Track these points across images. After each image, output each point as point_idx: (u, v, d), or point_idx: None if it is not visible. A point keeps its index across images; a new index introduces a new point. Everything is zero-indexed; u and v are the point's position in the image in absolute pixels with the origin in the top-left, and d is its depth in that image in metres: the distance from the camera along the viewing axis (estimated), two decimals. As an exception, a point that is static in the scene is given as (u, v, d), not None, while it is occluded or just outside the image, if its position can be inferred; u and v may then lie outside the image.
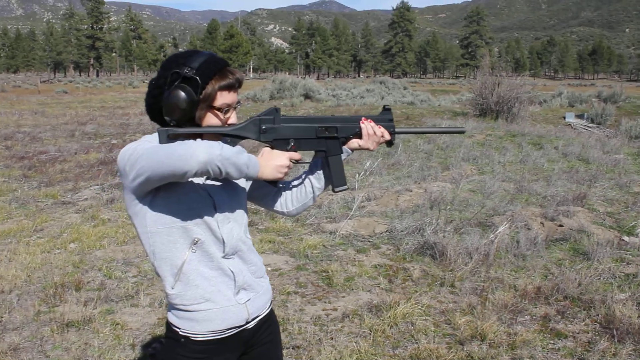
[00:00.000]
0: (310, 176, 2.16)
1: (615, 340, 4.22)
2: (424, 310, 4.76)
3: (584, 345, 4.21)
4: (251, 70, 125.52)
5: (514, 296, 5.03)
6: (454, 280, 5.41)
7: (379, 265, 5.91)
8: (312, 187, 2.15)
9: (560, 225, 6.81)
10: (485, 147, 12.45)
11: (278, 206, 2.18)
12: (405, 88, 40.54)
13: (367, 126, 2.09)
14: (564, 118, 26.66)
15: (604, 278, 5.37)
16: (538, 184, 8.87)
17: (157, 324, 4.57)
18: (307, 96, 30.18)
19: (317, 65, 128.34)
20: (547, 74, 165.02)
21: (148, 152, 1.68)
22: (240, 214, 2.02)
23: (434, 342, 4.22)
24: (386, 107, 2.16)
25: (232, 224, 1.97)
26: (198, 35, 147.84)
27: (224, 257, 1.94)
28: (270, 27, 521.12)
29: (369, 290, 5.29)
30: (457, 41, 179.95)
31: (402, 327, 4.48)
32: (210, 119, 1.90)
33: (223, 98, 1.88)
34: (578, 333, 4.41)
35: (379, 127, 2.10)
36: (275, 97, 30.05)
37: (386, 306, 4.81)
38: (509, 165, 10.50)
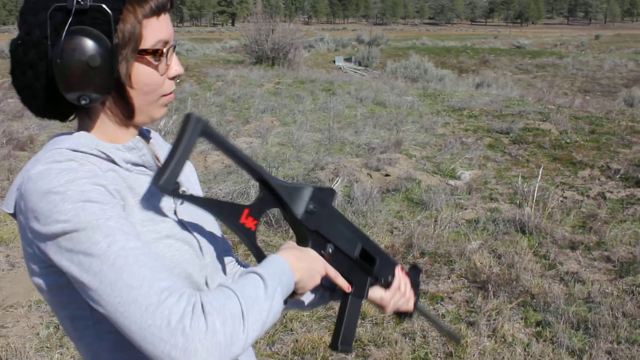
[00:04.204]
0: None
1: (491, 294, 4.05)
2: (287, 291, 4.19)
3: (464, 306, 3.98)
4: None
5: (370, 259, 4.67)
6: (303, 249, 4.90)
7: (212, 240, 5.19)
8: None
9: (387, 175, 6.62)
10: (279, 96, 12.03)
11: None
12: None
13: (401, 278, 1.40)
14: (334, 62, 27.52)
15: (449, 228, 5.24)
16: (347, 132, 8.67)
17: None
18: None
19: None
20: (301, 19, 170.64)
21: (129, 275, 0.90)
22: (222, 252, 1.25)
23: (312, 331, 3.68)
24: (417, 266, 1.49)
25: (220, 275, 1.22)
26: None
27: None
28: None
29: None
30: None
31: (271, 317, 3.86)
32: (142, 76, 1.07)
33: (154, 31, 1.06)
34: (452, 293, 4.18)
35: (411, 289, 1.44)
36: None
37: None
38: (309, 114, 10.19)
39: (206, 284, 1.15)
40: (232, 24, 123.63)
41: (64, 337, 3.62)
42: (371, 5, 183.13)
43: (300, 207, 1.16)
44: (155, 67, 1.08)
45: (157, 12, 1.07)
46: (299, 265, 1.11)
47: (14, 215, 1.02)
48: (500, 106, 9.92)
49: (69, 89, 1.00)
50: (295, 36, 21.24)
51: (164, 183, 0.97)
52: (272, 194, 1.14)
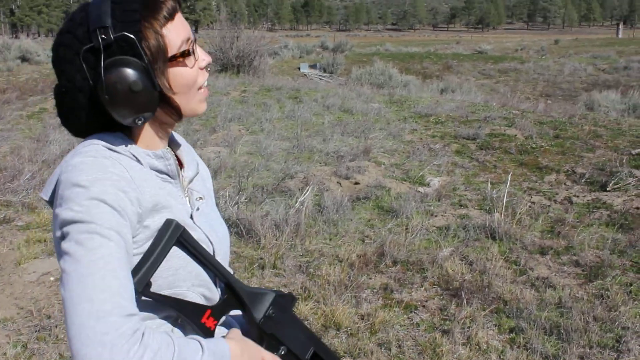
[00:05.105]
0: None
1: (464, 302, 4.07)
2: (261, 304, 4.15)
3: (438, 314, 4.00)
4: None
5: (342, 269, 4.66)
6: (274, 260, 4.87)
7: (182, 253, 5.11)
8: None
9: (357, 183, 6.63)
10: (246, 104, 11.97)
11: None
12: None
13: None
14: (299, 69, 27.51)
15: (420, 235, 5.26)
16: (315, 140, 8.66)
17: None
18: (24, 59, 26.87)
19: (26, 23, 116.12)
20: (264, 26, 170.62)
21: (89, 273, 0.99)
22: (227, 254, 1.39)
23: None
24: None
25: None
26: None
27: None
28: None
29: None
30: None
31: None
32: (179, 78, 1.18)
33: (175, 35, 1.16)
34: (426, 301, 4.19)
35: None
36: (-15, 62, 26.21)
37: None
38: (277, 122, 10.16)
39: (215, 283, 1.24)
40: (196, 31, 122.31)
41: (32, 357, 3.53)
42: (334, 11, 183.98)
43: (260, 312, 1.25)
44: (187, 65, 1.18)
45: (170, 17, 1.16)
46: (240, 356, 1.15)
47: (50, 202, 1.12)
48: (466, 112, 10.02)
49: (124, 117, 1.11)
50: (260, 43, 21.16)
51: (136, 282, 1.05)
52: (236, 298, 1.23)
